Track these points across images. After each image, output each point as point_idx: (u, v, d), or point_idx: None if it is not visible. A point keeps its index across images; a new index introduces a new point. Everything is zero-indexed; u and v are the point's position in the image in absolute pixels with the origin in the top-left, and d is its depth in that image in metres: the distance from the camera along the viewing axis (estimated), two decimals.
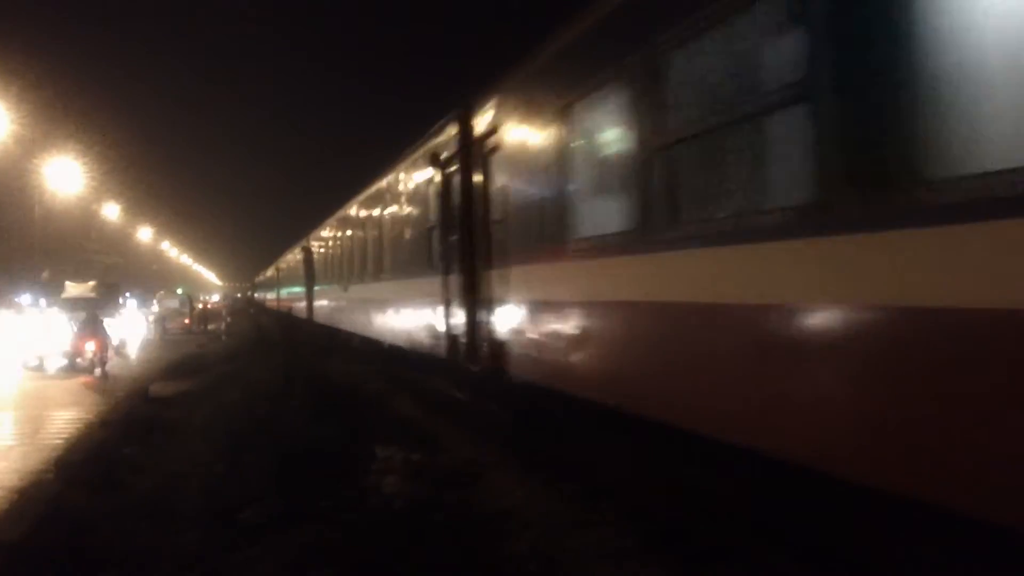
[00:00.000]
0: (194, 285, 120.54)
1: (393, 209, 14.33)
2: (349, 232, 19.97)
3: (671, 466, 6.58)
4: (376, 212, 15.96)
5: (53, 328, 22.17)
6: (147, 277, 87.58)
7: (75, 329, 21.48)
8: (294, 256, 37.71)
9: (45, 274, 46.51)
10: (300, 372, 14.64)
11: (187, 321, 41.49)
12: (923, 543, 4.03)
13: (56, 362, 21.16)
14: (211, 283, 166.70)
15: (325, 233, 25.86)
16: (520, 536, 6.46)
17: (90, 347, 20.47)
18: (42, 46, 64.65)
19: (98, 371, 20.07)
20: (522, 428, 8.79)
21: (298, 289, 34.85)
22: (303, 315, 31.73)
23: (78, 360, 20.87)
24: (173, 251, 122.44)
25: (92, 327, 21.02)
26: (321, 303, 26.96)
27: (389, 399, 13.55)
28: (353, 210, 19.29)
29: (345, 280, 20.09)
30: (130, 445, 10.15)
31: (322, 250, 27.15)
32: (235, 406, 10.96)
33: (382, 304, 15.06)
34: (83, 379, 19.27)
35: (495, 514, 6.97)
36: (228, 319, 43.49)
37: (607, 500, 7.02)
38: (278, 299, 50.31)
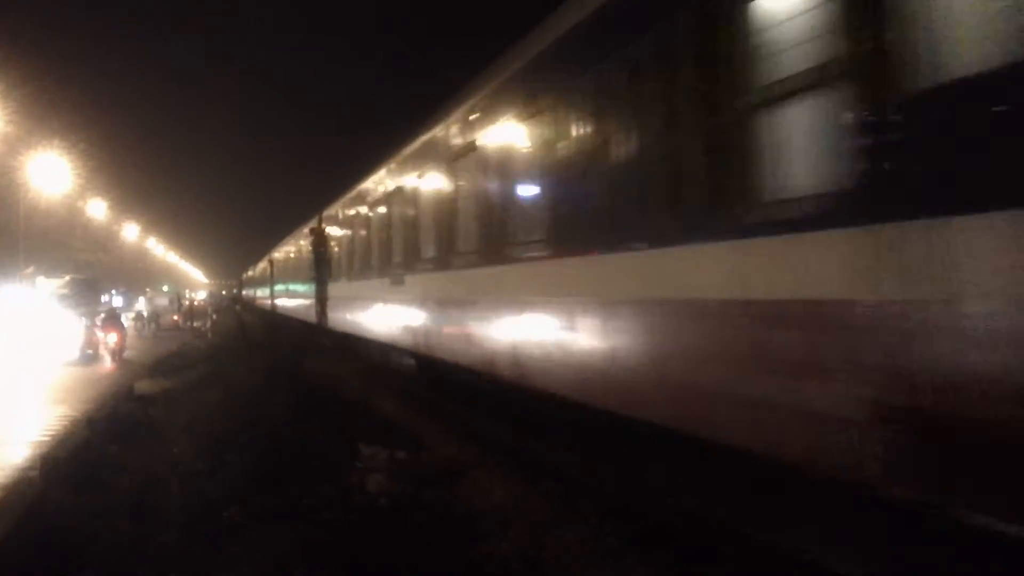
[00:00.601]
0: (180, 282, 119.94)
1: (583, 120, 6.75)
2: (414, 186, 12.19)
3: (652, 468, 6.65)
4: (502, 137, 8.42)
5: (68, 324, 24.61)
6: (133, 274, 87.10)
7: (88, 324, 24.50)
8: (297, 243, 29.83)
9: (29, 271, 46.21)
10: (283, 371, 14.60)
11: (176, 318, 43.91)
12: (907, 546, 4.11)
13: (71, 355, 23.23)
14: (197, 281, 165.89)
15: (356, 202, 17.67)
16: (503, 535, 6.54)
17: (112, 339, 23.68)
18: (28, 44, 64.17)
19: (116, 359, 23.12)
20: None
21: (302, 286, 27.10)
22: (311, 319, 23.46)
23: (89, 352, 23.54)
24: (159, 248, 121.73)
25: (112, 322, 24.38)
26: (344, 303, 19.16)
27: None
28: (426, 152, 11.48)
29: (399, 267, 13.03)
30: (115, 443, 10.15)
31: (350, 226, 18.72)
32: (219, 404, 10.96)
33: (495, 307, 8.49)
34: (108, 366, 22.09)
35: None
36: (214, 317, 44.67)
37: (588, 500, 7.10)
38: (272, 298, 41.18)
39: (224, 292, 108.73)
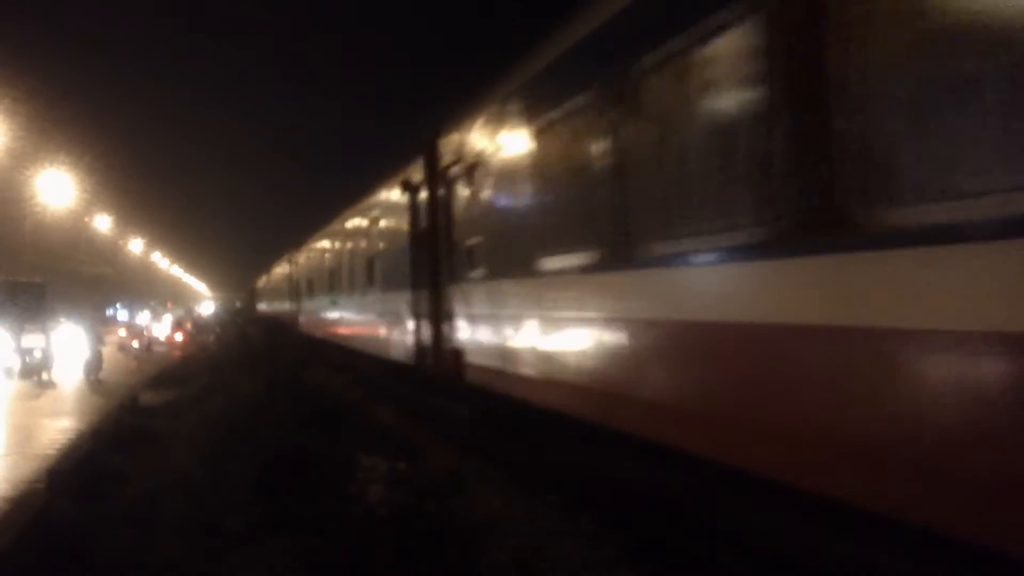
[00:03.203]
0: (183, 296, 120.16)
1: None
2: None
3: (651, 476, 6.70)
4: None
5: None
6: (137, 288, 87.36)
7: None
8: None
9: None
10: (284, 383, 14.64)
11: (189, 325, 51.42)
12: (903, 559, 4.16)
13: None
14: (200, 294, 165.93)
15: None
16: (502, 545, 6.59)
17: (178, 336, 37.54)
18: (34, 59, 64.63)
19: (181, 350, 33.77)
20: None
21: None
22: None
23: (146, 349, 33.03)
24: (163, 262, 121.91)
25: (179, 326, 40.09)
26: None
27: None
28: None
29: None
30: (119, 454, 10.24)
31: None
32: (221, 415, 11.04)
33: None
34: (175, 352, 32.72)
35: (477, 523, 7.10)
36: (217, 330, 46.26)
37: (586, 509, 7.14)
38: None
39: (222, 306, 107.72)
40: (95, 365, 20.48)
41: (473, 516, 7.32)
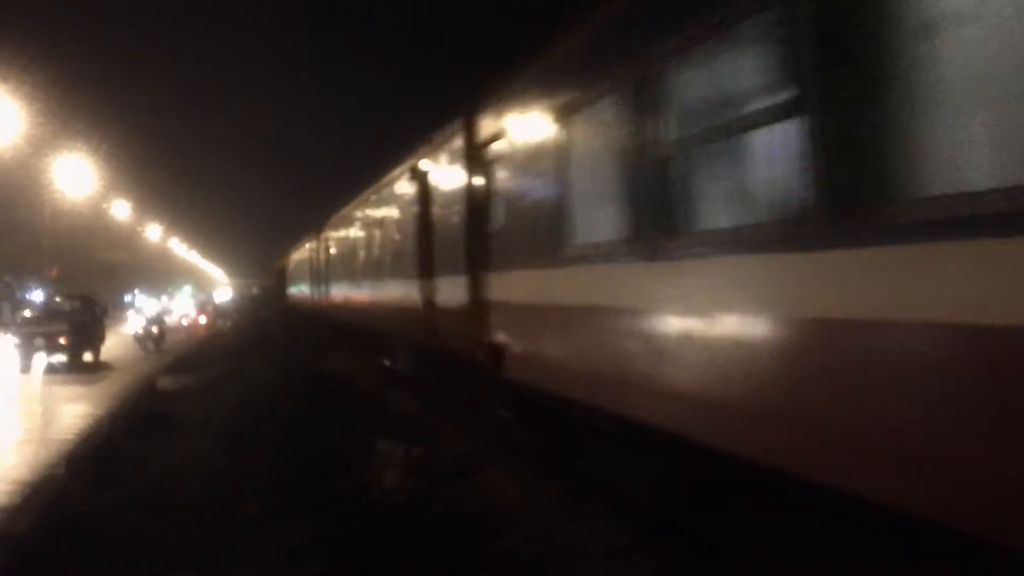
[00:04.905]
0: (202, 282, 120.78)
1: None
2: None
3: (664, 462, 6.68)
4: None
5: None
6: (154, 274, 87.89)
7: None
8: None
9: (55, 272, 46.81)
10: (300, 368, 14.68)
11: (209, 309, 54.46)
12: (916, 548, 4.13)
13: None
14: (218, 280, 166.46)
15: None
16: (515, 531, 6.59)
17: (203, 319, 44.67)
18: (54, 46, 64.91)
19: (205, 330, 40.39)
20: None
21: None
22: None
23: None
24: (181, 248, 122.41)
25: (204, 308, 48.59)
26: None
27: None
28: None
29: None
30: (136, 439, 10.32)
31: None
32: (237, 400, 11.09)
33: None
34: (201, 329, 40.12)
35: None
36: (235, 316, 47.39)
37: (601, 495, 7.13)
38: None
39: (241, 292, 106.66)
40: (161, 339, 28.39)
41: (487, 501, 7.32)
